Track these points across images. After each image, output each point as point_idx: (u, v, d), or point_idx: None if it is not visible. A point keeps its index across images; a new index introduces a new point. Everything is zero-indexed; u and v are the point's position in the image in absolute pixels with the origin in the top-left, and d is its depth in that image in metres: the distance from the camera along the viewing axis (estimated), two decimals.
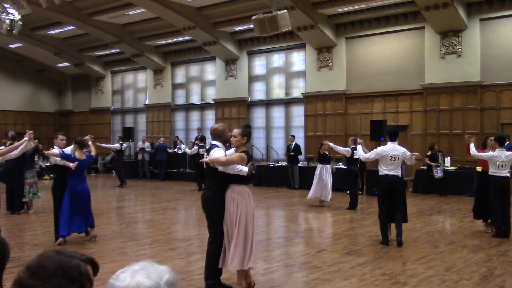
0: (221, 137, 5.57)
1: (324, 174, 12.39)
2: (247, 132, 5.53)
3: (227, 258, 5.30)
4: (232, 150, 5.58)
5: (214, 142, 5.58)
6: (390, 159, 7.67)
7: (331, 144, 11.97)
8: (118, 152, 18.22)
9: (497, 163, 8.16)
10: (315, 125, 18.40)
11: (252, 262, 5.42)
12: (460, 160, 15.12)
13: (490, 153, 8.30)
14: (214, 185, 5.50)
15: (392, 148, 7.76)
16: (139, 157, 20.96)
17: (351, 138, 12.81)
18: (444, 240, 8.22)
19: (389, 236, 7.83)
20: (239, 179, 5.34)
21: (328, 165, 12.73)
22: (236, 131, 5.52)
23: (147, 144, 21.20)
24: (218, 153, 5.37)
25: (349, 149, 11.96)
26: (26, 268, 1.49)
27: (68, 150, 8.31)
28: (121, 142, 18.56)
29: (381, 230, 7.88)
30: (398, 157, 7.69)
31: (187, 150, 17.68)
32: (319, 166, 12.65)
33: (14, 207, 11.14)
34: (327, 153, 12.70)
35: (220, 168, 5.28)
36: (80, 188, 7.92)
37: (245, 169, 5.27)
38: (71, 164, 7.69)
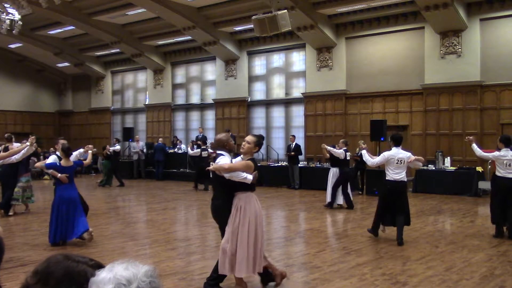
0: (226, 146, 5.67)
1: (335, 177, 12.03)
2: (260, 142, 5.64)
3: (230, 265, 5.25)
4: (239, 158, 5.63)
5: (219, 152, 5.67)
6: (397, 163, 7.95)
7: (328, 147, 11.86)
8: (115, 154, 18.30)
9: (505, 162, 8.28)
10: (315, 125, 18.40)
11: (261, 267, 5.42)
12: (460, 160, 15.12)
13: (496, 153, 8.46)
14: (221, 193, 5.54)
15: (397, 152, 8.06)
16: (135, 157, 21.10)
17: (341, 140, 12.70)
18: (444, 240, 8.21)
19: (379, 232, 8.34)
20: (244, 186, 5.37)
21: (337, 168, 12.14)
22: (251, 138, 5.57)
23: (141, 144, 21.32)
24: (223, 161, 5.44)
25: (342, 151, 11.93)
26: (34, 273, 1.48)
27: (73, 156, 8.32)
28: (117, 144, 18.87)
29: (373, 225, 8.39)
30: (404, 161, 7.98)
31: (189, 151, 17.68)
32: (332, 169, 12.24)
33: (6, 210, 11.00)
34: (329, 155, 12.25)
35: (226, 176, 5.33)
36: (67, 195, 7.79)
37: (249, 177, 5.31)
38: (59, 175, 7.76)
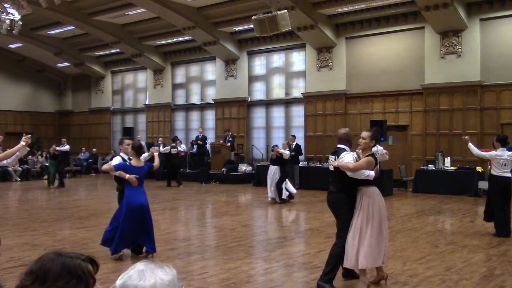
0: (350, 141, 5.74)
1: (276, 174, 13.04)
2: (376, 136, 5.72)
3: (357, 259, 5.34)
4: (350, 154, 5.58)
5: (341, 146, 5.69)
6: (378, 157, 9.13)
7: (280, 150, 13.03)
8: (64, 154, 18.30)
9: (501, 162, 8.42)
10: (315, 125, 18.40)
11: (385, 259, 5.59)
12: (460, 160, 15.12)
13: (493, 152, 8.58)
14: (342, 187, 5.57)
15: (377, 148, 9.11)
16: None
17: (285, 142, 14.23)
18: (444, 240, 8.22)
19: None
20: (367, 181, 5.44)
21: (277, 166, 13.21)
22: (366, 134, 5.62)
23: (142, 144, 21.36)
24: (347, 158, 5.48)
25: (287, 151, 13.22)
26: (28, 273, 1.47)
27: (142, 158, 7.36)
28: (66, 144, 18.87)
29: None
30: (378, 153, 9.11)
31: (161, 148, 17.98)
32: (272, 167, 13.31)
33: None
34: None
35: (349, 174, 5.40)
36: (136, 201, 6.91)
37: (372, 173, 5.39)
38: (127, 176, 6.86)
